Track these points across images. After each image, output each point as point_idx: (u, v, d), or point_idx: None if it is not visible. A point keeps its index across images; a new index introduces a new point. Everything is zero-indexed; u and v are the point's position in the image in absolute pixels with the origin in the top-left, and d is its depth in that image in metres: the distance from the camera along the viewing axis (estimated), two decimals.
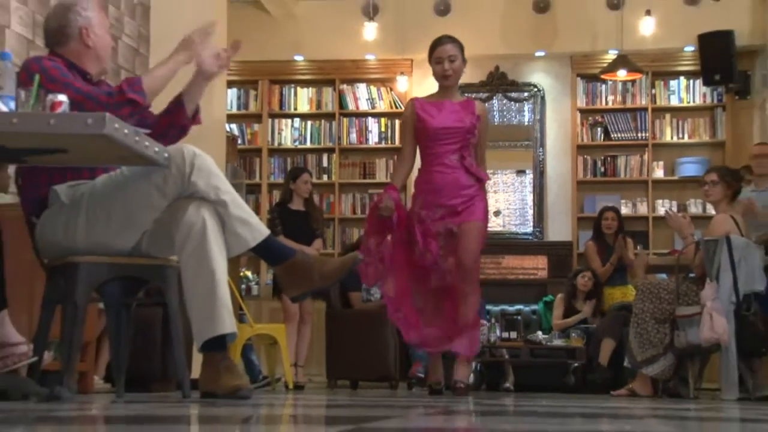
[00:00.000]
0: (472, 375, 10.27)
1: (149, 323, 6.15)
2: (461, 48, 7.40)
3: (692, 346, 8.26)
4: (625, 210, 13.09)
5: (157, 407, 3.44)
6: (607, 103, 14.68)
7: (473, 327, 7.47)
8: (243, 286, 9.93)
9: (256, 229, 4.78)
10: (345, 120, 14.78)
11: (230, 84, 13.37)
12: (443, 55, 7.30)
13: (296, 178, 11.19)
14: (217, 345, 4.60)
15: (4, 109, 4.56)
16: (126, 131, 4.19)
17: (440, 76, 7.42)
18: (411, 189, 8.33)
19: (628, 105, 14.58)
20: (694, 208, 13.39)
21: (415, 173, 8.08)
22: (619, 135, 14.53)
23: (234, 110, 14.42)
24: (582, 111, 14.65)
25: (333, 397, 5.62)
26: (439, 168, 7.39)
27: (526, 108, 14.56)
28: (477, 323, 7.67)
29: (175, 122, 5.18)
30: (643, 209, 14.10)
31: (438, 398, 6.15)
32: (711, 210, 10.05)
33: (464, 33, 8.31)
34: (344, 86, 14.93)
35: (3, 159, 4.45)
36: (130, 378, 5.54)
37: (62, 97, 4.49)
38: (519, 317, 12.36)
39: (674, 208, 13.12)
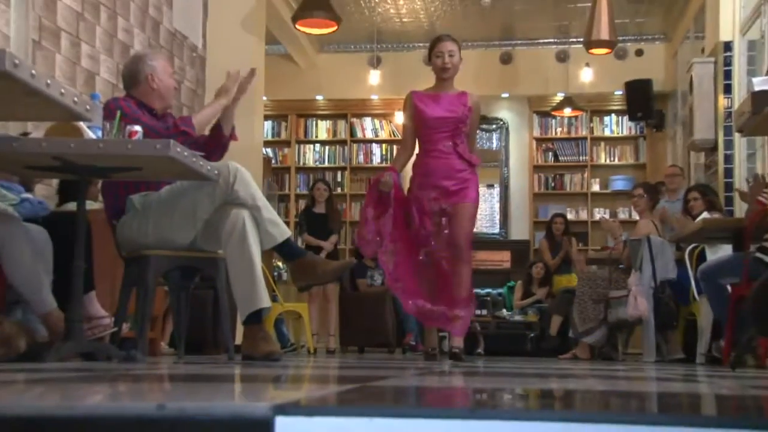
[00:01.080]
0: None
1: (203, 302, 6.17)
2: (459, 46, 6.82)
3: (621, 321, 8.38)
4: (570, 216, 13.14)
5: (209, 367, 3.45)
6: (556, 133, 14.78)
7: (467, 305, 6.65)
8: (275, 273, 9.94)
9: (282, 229, 4.88)
10: (354, 145, 14.79)
11: (266, 117, 13.41)
12: (443, 49, 6.61)
13: (312, 188, 11.51)
14: (255, 318, 4.68)
15: (93, 136, 4.60)
16: (185, 153, 4.23)
17: (440, 69, 6.69)
18: (410, 174, 7.39)
19: (572, 135, 14.69)
20: (623, 214, 13.42)
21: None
22: (565, 158, 14.65)
23: (269, 138, 14.42)
24: (537, 139, 14.72)
25: (344, 359, 5.63)
26: (434, 154, 6.65)
27: (494, 137, 14.60)
28: (470, 301, 6.81)
29: (218, 141, 5.30)
30: (583, 215, 14.18)
31: (431, 362, 5.65)
32: (635, 216, 10.05)
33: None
34: (354, 119, 14.97)
35: (93, 175, 4.48)
36: (188, 344, 5.60)
37: (137, 128, 4.55)
38: (488, 298, 12.37)
39: (607, 215, 13.22)
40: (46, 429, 1.09)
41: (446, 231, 6.57)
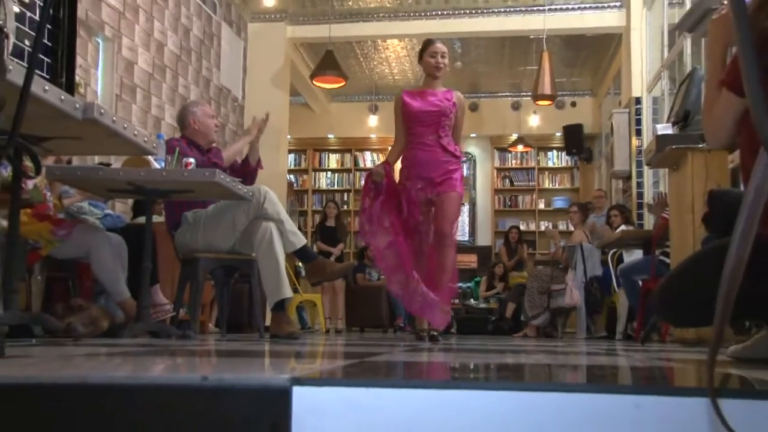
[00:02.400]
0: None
1: (240, 293, 6.14)
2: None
3: (560, 308, 8.40)
4: (522, 227, 13.13)
5: (244, 344, 3.43)
6: (511, 164, 14.79)
7: (448, 294, 5.61)
8: (297, 271, 9.93)
9: (300, 237, 4.95)
10: (358, 173, 14.71)
11: (290, 151, 13.51)
12: (438, 50, 5.69)
13: (325, 206, 11.68)
14: (280, 306, 4.70)
15: (158, 167, 4.59)
16: (227, 179, 4.24)
17: (433, 68, 5.70)
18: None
19: (524, 166, 14.70)
20: (562, 226, 13.36)
21: None
22: (518, 183, 14.67)
23: (292, 167, 14.48)
24: (497, 169, 14.72)
25: (349, 338, 5.64)
26: (420, 146, 5.62)
27: (465, 167, 14.51)
28: (452, 292, 5.80)
29: (247, 169, 5.45)
30: (533, 227, 14.18)
31: (419, 341, 5.09)
32: (571, 228, 10.05)
33: None
34: (357, 153, 14.97)
35: (157, 196, 4.47)
36: (229, 325, 5.62)
37: (191, 160, 4.55)
38: (460, 290, 12.39)
39: (550, 226, 13.19)
40: (120, 394, 1.09)
41: (430, 219, 5.67)
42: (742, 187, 4.82)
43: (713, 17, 2.41)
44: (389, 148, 7.05)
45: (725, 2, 2.47)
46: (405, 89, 6.07)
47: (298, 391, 1.04)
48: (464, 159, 6.44)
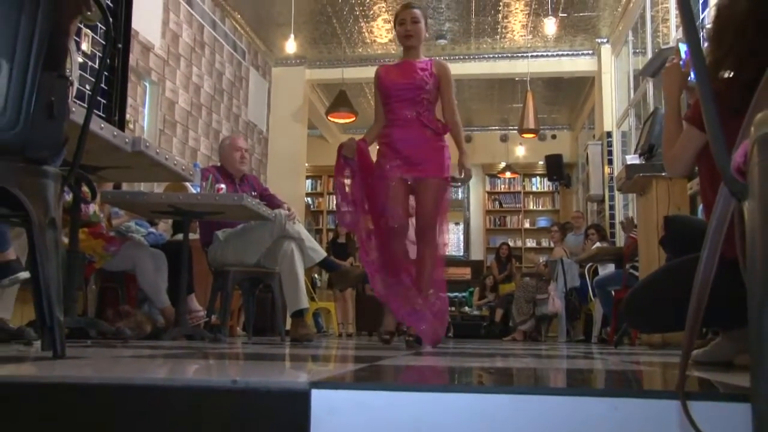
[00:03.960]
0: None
1: (264, 301, 6.12)
2: (425, 15, 4.46)
3: (544, 315, 8.34)
4: (511, 243, 13.03)
5: (268, 347, 3.40)
6: (500, 189, 14.75)
7: (441, 314, 4.25)
8: (313, 282, 9.91)
9: (320, 252, 4.87)
10: None
11: (307, 177, 13.53)
12: (407, 17, 4.32)
13: (337, 226, 11.55)
14: (299, 313, 4.64)
15: (194, 191, 4.60)
16: (253, 202, 4.23)
17: (402, 37, 4.38)
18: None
19: (512, 190, 14.65)
20: (545, 243, 13.35)
21: None
22: (507, 206, 14.62)
23: (309, 191, 14.45)
24: (488, 193, 14.68)
25: (359, 341, 5.60)
26: (397, 122, 4.33)
27: (460, 191, 14.54)
28: (443, 306, 4.32)
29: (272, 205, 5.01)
30: (519, 244, 14.09)
31: (387, 347, 3.90)
32: (552, 244, 10.03)
33: None
34: None
35: (193, 217, 4.46)
36: (254, 329, 5.57)
37: (222, 186, 4.54)
38: (456, 299, 12.35)
39: (534, 244, 13.15)
40: (160, 394, 1.09)
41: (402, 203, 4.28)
42: (700, 212, 4.83)
43: (666, 66, 2.43)
44: None
45: (674, 56, 2.50)
46: (382, 65, 4.76)
47: (316, 394, 1.03)
48: (447, 132, 4.47)
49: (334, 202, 4.09)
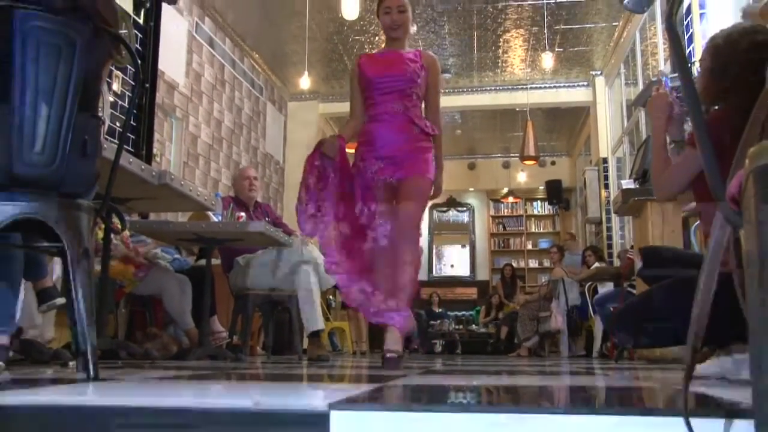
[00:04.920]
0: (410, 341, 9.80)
1: (282, 322, 6.08)
2: (412, 3, 3.71)
3: (547, 332, 8.26)
4: (514, 264, 12.96)
5: (286, 367, 3.38)
6: (504, 213, 14.67)
7: (405, 305, 3.34)
8: (331, 301, 9.87)
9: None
10: None
11: None
12: (392, 5, 3.58)
13: None
14: (315, 334, 4.59)
15: (216, 220, 4.60)
16: (271, 229, 4.23)
17: (388, 27, 3.61)
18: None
19: (514, 214, 14.58)
20: (546, 264, 13.28)
21: None
22: (510, 228, 14.53)
23: None
24: (492, 217, 14.59)
25: (372, 359, 5.55)
26: (380, 117, 3.53)
27: (465, 215, 14.53)
28: (410, 295, 3.39)
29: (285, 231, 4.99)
30: (522, 264, 14.00)
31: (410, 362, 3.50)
32: (552, 264, 9.98)
33: None
34: None
35: (215, 243, 4.46)
36: (273, 348, 5.53)
37: (243, 214, 4.54)
38: (463, 317, 12.28)
39: (536, 264, 13.09)
40: (188, 416, 1.08)
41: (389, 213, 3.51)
42: (692, 233, 4.79)
43: (651, 96, 2.44)
44: None
45: (658, 86, 2.51)
46: (363, 53, 3.59)
47: (335, 415, 1.02)
48: (437, 133, 3.63)
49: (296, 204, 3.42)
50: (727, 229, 0.84)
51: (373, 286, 3.37)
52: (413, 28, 3.75)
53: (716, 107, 2.18)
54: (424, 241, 3.41)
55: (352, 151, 3.66)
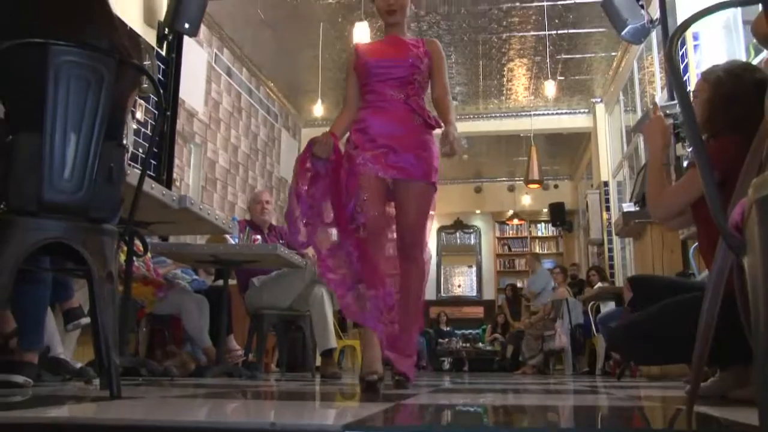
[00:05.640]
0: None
1: (296, 340, 6.06)
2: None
3: (551, 350, 8.16)
4: (519, 284, 12.89)
5: (301, 384, 3.36)
6: (509, 234, 14.63)
7: (413, 325, 2.99)
8: (341, 323, 9.82)
9: None
10: None
11: None
12: None
13: None
14: (328, 352, 4.57)
15: (233, 242, 4.60)
16: (286, 252, 4.22)
17: (384, 12, 3.06)
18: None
19: (519, 235, 14.54)
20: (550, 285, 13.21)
21: None
22: (515, 249, 14.47)
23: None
24: (498, 238, 14.56)
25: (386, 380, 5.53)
26: (378, 104, 2.98)
27: (472, 237, 14.49)
28: (417, 331, 3.09)
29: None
30: (527, 283, 13.93)
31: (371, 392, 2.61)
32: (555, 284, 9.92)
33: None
34: None
35: (232, 265, 4.45)
36: (288, 366, 5.51)
37: (258, 236, 4.54)
38: (470, 335, 12.19)
39: None
40: None
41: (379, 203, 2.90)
42: (691, 255, 4.76)
43: (650, 119, 2.43)
44: None
45: (654, 110, 2.50)
46: (360, 42, 3.44)
47: None
48: (440, 128, 2.91)
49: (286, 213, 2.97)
50: (729, 255, 0.83)
51: (375, 291, 2.81)
52: (412, 9, 3.14)
53: (713, 136, 2.18)
54: (432, 262, 2.98)
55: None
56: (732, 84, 2.20)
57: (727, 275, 0.91)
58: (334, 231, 2.93)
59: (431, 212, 3.00)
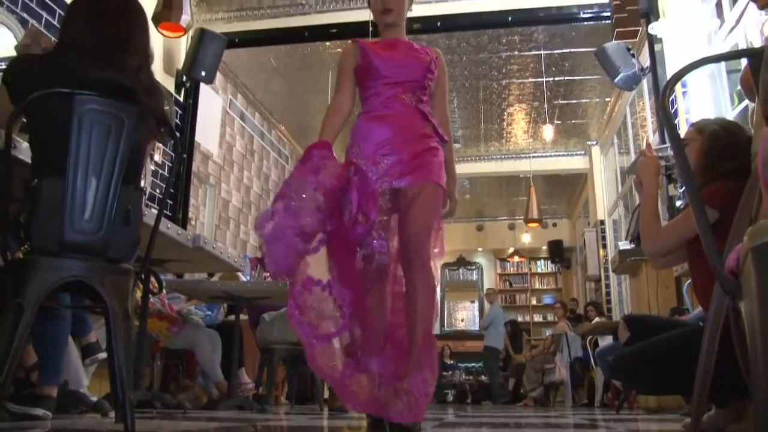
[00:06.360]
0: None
1: (305, 374, 6.00)
2: None
3: (552, 382, 8.07)
4: (520, 319, 12.78)
5: (309, 418, 3.32)
6: (510, 271, 14.53)
7: (425, 363, 2.18)
8: None
9: None
10: None
11: None
12: None
13: None
14: None
15: (245, 279, 4.59)
16: None
17: (379, 12, 2.54)
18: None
19: (519, 272, 14.43)
20: (550, 317, 13.09)
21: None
22: (516, 285, 14.36)
23: None
24: (499, 274, 14.45)
25: None
26: (386, 110, 2.43)
27: (475, 273, 14.39)
28: (429, 349, 2.22)
29: None
30: (528, 318, 13.79)
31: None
32: (556, 319, 9.84)
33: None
34: None
35: (244, 301, 4.43)
36: (297, 399, 5.43)
37: (268, 274, 4.54)
38: (473, 368, 12.05)
39: (540, 319, 12.92)
40: None
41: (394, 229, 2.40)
42: (685, 291, 4.72)
43: (644, 158, 2.44)
44: None
45: (646, 150, 2.50)
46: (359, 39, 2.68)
47: None
48: (448, 141, 2.53)
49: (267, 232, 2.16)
50: (725, 299, 0.82)
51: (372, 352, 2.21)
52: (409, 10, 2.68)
53: (706, 184, 2.20)
54: (437, 296, 2.51)
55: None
56: (728, 138, 2.25)
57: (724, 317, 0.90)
58: (315, 257, 2.19)
59: (441, 225, 2.49)
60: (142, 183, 2.86)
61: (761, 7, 2.32)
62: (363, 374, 2.13)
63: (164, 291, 4.16)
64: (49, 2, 4.63)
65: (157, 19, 5.47)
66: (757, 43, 3.82)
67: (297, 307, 2.13)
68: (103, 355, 2.83)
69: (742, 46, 4.26)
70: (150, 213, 2.53)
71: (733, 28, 4.43)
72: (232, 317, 4.76)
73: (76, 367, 2.96)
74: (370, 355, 2.16)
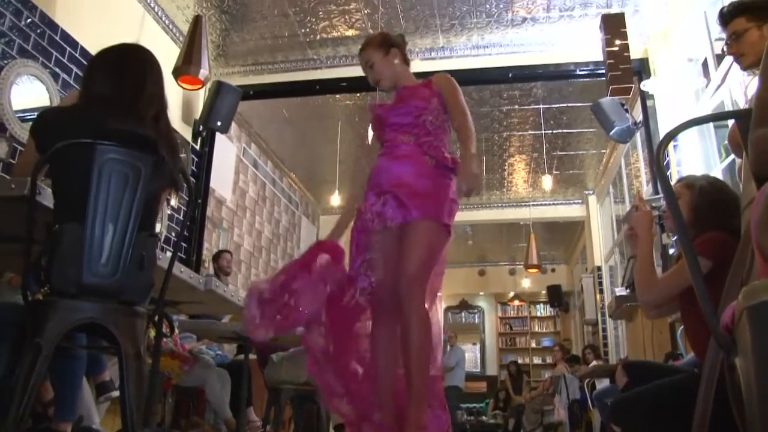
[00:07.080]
0: None
1: (311, 413, 5.89)
2: (380, 43, 2.67)
3: (550, 423, 7.92)
4: (520, 361, 12.62)
5: None
6: (510, 315, 14.48)
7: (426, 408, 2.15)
8: None
9: None
10: None
11: None
12: (363, 65, 2.72)
13: None
14: (340, 426, 4.45)
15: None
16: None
17: (376, 85, 2.69)
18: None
19: (519, 315, 14.38)
20: (548, 359, 12.92)
21: None
22: (516, 328, 14.29)
23: None
24: (500, 318, 14.40)
25: None
26: (386, 150, 2.54)
27: (476, 316, 14.33)
28: (428, 399, 2.16)
29: None
30: (527, 360, 13.64)
31: None
32: (554, 361, 9.70)
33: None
34: None
35: (252, 342, 4.39)
36: None
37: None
38: (474, 409, 11.85)
39: (540, 361, 12.76)
40: None
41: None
42: (679, 336, 4.66)
43: (639, 212, 2.43)
44: None
45: (638, 203, 2.50)
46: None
47: None
48: (455, 165, 2.45)
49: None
50: (720, 354, 0.80)
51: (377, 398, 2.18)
52: (396, 62, 2.72)
53: (697, 236, 2.20)
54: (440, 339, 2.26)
55: None
56: (716, 194, 2.28)
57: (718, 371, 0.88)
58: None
59: (443, 258, 2.34)
60: (158, 228, 2.86)
61: (744, 68, 2.34)
62: (365, 422, 2.14)
63: (177, 331, 4.12)
64: (79, 57, 4.72)
65: (178, 72, 5.56)
66: (741, 101, 3.85)
67: (321, 369, 2.31)
68: (116, 393, 2.80)
69: (728, 103, 4.29)
70: (164, 256, 2.53)
71: (719, 86, 4.48)
72: (242, 356, 4.71)
73: (89, 405, 2.92)
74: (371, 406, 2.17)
